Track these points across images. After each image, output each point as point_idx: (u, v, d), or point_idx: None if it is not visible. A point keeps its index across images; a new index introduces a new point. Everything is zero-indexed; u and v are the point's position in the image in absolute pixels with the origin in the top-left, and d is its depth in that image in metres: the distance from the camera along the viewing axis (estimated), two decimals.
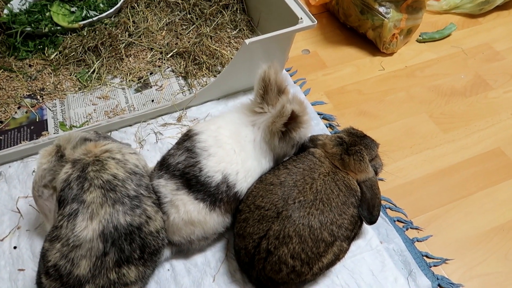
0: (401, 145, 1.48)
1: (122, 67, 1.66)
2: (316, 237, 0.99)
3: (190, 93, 1.56)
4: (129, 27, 1.74)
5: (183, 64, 1.66)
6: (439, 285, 1.15)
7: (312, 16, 1.38)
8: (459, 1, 1.98)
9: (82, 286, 0.91)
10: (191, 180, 1.04)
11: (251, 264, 1.04)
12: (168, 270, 1.15)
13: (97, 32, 1.70)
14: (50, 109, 1.53)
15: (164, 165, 1.09)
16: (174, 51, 1.69)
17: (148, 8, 1.83)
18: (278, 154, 1.14)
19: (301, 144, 1.16)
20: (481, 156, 1.46)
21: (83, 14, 1.77)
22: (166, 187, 1.07)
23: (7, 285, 1.11)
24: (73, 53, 1.66)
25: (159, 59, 1.69)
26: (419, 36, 1.88)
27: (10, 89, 1.57)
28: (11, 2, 1.78)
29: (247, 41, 1.31)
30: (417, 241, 1.24)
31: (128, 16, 1.78)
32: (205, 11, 1.77)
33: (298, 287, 1.09)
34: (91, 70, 1.63)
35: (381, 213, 1.17)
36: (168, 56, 1.69)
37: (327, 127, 1.51)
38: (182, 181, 1.05)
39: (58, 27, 1.71)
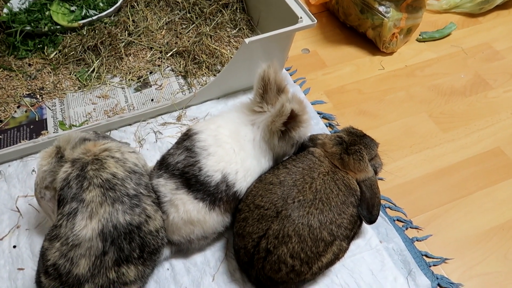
0: (401, 144, 1.48)
1: (122, 66, 1.66)
2: (316, 236, 0.99)
3: (189, 92, 1.55)
4: (129, 26, 1.74)
5: (182, 63, 1.66)
6: (438, 284, 1.15)
7: (312, 16, 1.38)
8: (459, 0, 1.98)
9: (82, 285, 0.91)
10: (191, 179, 1.04)
11: (250, 264, 1.04)
12: (168, 269, 1.15)
13: (96, 31, 1.70)
14: (49, 108, 1.53)
15: (163, 165, 1.09)
16: (174, 50, 1.69)
17: (147, 7, 1.83)
18: (277, 153, 1.14)
19: (300, 144, 1.16)
20: (481, 155, 1.46)
21: (83, 13, 1.77)
22: (166, 186, 1.07)
23: (7, 284, 1.11)
24: (73, 52, 1.66)
25: (158, 58, 1.69)
26: (419, 35, 1.88)
27: (9, 88, 1.57)
28: (10, 1, 1.78)
29: (247, 40, 1.31)
30: (417, 240, 1.24)
31: (128, 15, 1.78)
32: (205, 10, 1.77)
33: (297, 286, 1.09)
34: (91, 69, 1.63)
35: (380, 212, 1.16)
36: (167, 55, 1.69)
37: (326, 126, 1.51)
38: (182, 180, 1.05)
39: (58, 26, 1.71)
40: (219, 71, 1.62)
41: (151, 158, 1.35)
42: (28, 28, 1.68)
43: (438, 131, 1.53)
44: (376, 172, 1.13)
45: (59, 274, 0.92)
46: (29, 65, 1.66)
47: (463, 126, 1.55)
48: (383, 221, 1.25)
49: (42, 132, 1.45)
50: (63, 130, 1.45)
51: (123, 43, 1.69)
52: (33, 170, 1.34)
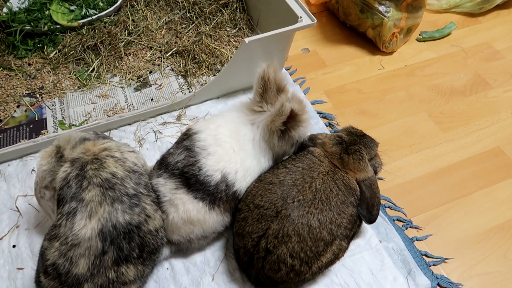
0: (401, 144, 1.48)
1: (122, 65, 1.66)
2: (315, 236, 0.99)
3: (189, 92, 1.55)
4: (129, 25, 1.74)
5: (182, 63, 1.66)
6: (438, 284, 1.15)
7: (311, 15, 1.38)
8: (459, 0, 1.97)
9: (81, 285, 0.91)
10: (190, 179, 1.04)
11: (250, 263, 1.04)
12: (167, 269, 1.15)
13: (96, 30, 1.70)
14: (49, 108, 1.53)
15: (163, 164, 1.09)
16: (174, 49, 1.69)
17: (147, 7, 1.83)
18: (277, 153, 1.13)
19: (300, 143, 1.16)
20: (481, 155, 1.45)
21: (83, 13, 1.77)
22: (165, 186, 1.06)
23: (6, 284, 1.11)
24: (73, 51, 1.65)
25: (158, 57, 1.69)
26: (419, 35, 1.88)
27: (9, 87, 1.57)
28: (10, 1, 1.78)
29: (247, 39, 1.31)
30: (417, 240, 1.24)
31: (128, 14, 1.78)
32: (204, 9, 1.77)
33: (297, 286, 1.09)
34: (91, 68, 1.63)
35: (380, 212, 1.16)
36: (167, 55, 1.69)
37: (326, 126, 1.51)
38: (181, 180, 1.05)
39: (58, 26, 1.71)
40: (219, 70, 1.62)
41: (151, 157, 1.35)
42: (28, 27, 1.68)
43: (438, 131, 1.53)
44: (376, 172, 1.13)
45: (58, 273, 0.91)
46: (29, 64, 1.65)
47: (463, 125, 1.54)
48: (382, 221, 1.25)
49: (42, 131, 1.45)
50: (63, 129, 1.45)
51: (123, 43, 1.68)
52: (32, 170, 1.34)
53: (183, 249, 1.15)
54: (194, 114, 1.50)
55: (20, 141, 1.41)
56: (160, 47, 1.71)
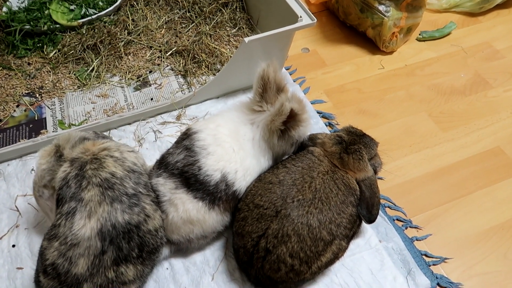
0: (401, 144, 1.48)
1: (121, 65, 1.65)
2: (315, 236, 0.99)
3: (189, 92, 1.55)
4: (128, 25, 1.74)
5: (182, 63, 1.66)
6: (438, 284, 1.15)
7: (311, 15, 1.37)
8: None
9: (80, 285, 0.91)
10: (190, 178, 1.04)
11: (250, 263, 1.04)
12: (167, 268, 1.14)
13: (96, 30, 1.70)
14: (49, 108, 1.53)
15: (163, 164, 1.09)
16: (174, 49, 1.68)
17: (147, 6, 1.83)
18: (277, 152, 1.13)
19: (300, 143, 1.15)
20: (481, 155, 1.45)
21: (82, 12, 1.77)
22: (165, 185, 1.06)
23: (6, 284, 1.11)
24: (72, 51, 1.65)
25: (158, 57, 1.69)
26: (419, 34, 1.87)
27: (9, 87, 1.57)
28: (10, 0, 1.78)
29: (247, 39, 1.31)
30: (416, 240, 1.23)
31: (127, 14, 1.78)
32: (204, 9, 1.77)
33: (297, 286, 1.09)
34: (90, 68, 1.63)
35: (380, 212, 1.16)
36: (167, 55, 1.68)
37: (326, 125, 1.51)
38: (181, 179, 1.05)
39: (57, 25, 1.71)
40: (219, 70, 1.62)
41: (151, 157, 1.35)
42: (28, 27, 1.68)
43: (438, 131, 1.52)
44: (375, 172, 1.13)
45: (57, 273, 0.91)
46: (29, 64, 1.65)
47: (463, 125, 1.54)
48: (382, 221, 1.25)
49: (42, 131, 1.45)
50: (63, 129, 1.45)
51: (123, 42, 1.68)
52: (32, 169, 1.34)
53: (182, 248, 1.15)
54: (193, 114, 1.50)
55: (19, 141, 1.41)
56: (160, 46, 1.71)
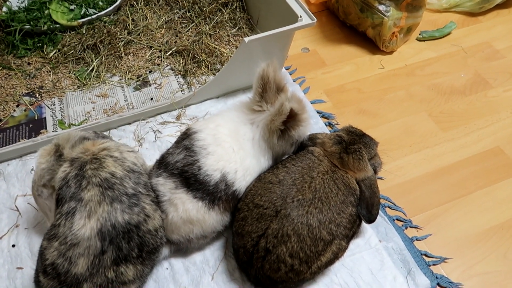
0: (401, 143, 1.48)
1: (121, 65, 1.65)
2: (315, 235, 0.99)
3: (189, 92, 1.55)
4: (128, 25, 1.74)
5: (182, 62, 1.66)
6: (438, 284, 1.15)
7: (311, 14, 1.37)
8: None
9: (80, 285, 0.91)
10: (190, 178, 1.04)
11: (249, 263, 1.04)
12: (167, 268, 1.14)
13: (96, 30, 1.70)
14: (49, 107, 1.53)
15: (162, 164, 1.09)
16: (173, 49, 1.68)
17: (147, 6, 1.83)
18: (277, 152, 1.13)
19: (300, 143, 1.15)
20: (481, 155, 1.45)
21: (82, 12, 1.77)
22: (165, 185, 1.06)
23: (6, 283, 1.11)
24: (72, 51, 1.65)
25: (158, 57, 1.69)
26: (419, 34, 1.87)
27: (8, 87, 1.57)
28: (10, 0, 1.78)
29: (246, 39, 1.31)
30: (416, 240, 1.23)
31: (127, 14, 1.78)
32: (204, 9, 1.77)
33: (296, 285, 1.09)
34: (90, 68, 1.63)
35: (380, 211, 1.16)
36: (167, 54, 1.68)
37: (326, 125, 1.51)
38: (181, 179, 1.05)
39: (57, 25, 1.71)
40: (219, 70, 1.62)
41: (151, 157, 1.35)
42: (28, 26, 1.68)
43: (438, 130, 1.52)
44: (375, 171, 1.13)
45: (57, 273, 0.91)
46: (29, 64, 1.65)
47: (463, 125, 1.54)
48: (382, 220, 1.25)
49: (41, 131, 1.45)
50: (62, 129, 1.45)
51: (123, 42, 1.68)
52: (32, 169, 1.33)
53: (182, 248, 1.15)
54: (193, 114, 1.50)
55: (19, 141, 1.41)
56: (159, 46, 1.71)
